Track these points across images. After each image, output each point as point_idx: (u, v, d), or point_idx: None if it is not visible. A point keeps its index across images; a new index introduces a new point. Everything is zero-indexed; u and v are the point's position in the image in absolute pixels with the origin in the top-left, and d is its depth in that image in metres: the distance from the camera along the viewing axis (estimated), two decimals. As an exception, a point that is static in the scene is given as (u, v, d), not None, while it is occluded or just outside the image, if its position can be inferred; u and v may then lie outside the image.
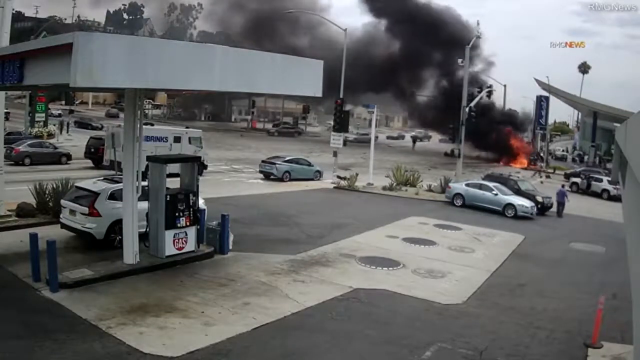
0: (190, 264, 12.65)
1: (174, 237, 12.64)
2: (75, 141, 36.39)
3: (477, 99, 33.93)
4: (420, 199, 26.31)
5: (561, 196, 25.31)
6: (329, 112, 58.37)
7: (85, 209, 12.88)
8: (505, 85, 65.25)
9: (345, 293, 11.56)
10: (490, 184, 25.07)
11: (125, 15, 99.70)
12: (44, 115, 40.37)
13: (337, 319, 10.21)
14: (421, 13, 60.95)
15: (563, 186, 27.85)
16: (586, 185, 36.70)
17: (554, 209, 25.24)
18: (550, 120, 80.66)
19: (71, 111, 57.74)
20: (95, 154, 27.83)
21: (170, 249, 12.57)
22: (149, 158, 13.20)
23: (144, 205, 12.48)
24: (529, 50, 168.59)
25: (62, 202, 13.78)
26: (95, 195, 13.13)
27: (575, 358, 9.50)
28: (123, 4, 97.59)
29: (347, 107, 34.63)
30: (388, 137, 79.60)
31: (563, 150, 76.86)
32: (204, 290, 10.97)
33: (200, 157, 18.06)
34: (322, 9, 61.97)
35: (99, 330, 8.76)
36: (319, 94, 12.21)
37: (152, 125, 31.12)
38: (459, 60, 33.55)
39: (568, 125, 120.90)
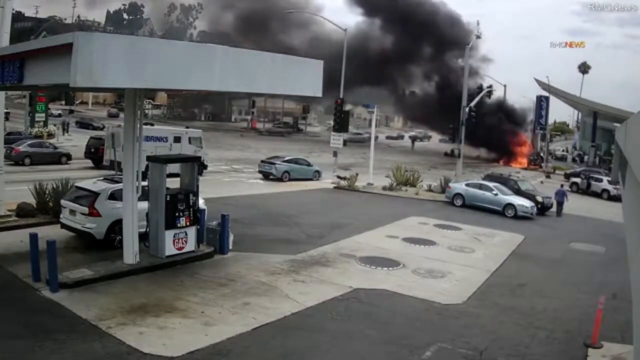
0: (190, 264, 12.64)
1: (174, 237, 12.64)
2: (75, 141, 36.38)
3: (477, 99, 33.94)
4: (420, 199, 26.32)
5: (561, 196, 25.36)
6: (328, 112, 58.31)
7: (85, 209, 12.88)
8: (505, 85, 65.48)
9: (345, 293, 11.56)
10: (490, 184, 25.07)
11: (125, 15, 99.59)
12: (44, 115, 40.37)
13: (337, 319, 10.20)
14: (414, 10, 60.85)
15: (562, 186, 27.89)
16: (586, 185, 36.75)
17: (554, 208, 25.27)
18: (550, 120, 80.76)
19: (71, 111, 57.81)
20: (95, 154, 27.82)
21: (170, 249, 12.57)
22: (149, 158, 13.20)
23: (144, 205, 12.48)
24: (529, 50, 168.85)
25: (62, 202, 13.78)
26: (95, 195, 13.13)
27: (575, 358, 9.49)
28: (123, 4, 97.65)
29: (347, 107, 34.62)
30: (387, 137, 79.64)
31: (563, 150, 76.92)
32: (204, 290, 10.97)
33: (200, 157, 18.06)
34: (317, 9, 61.85)
35: (99, 330, 8.75)
36: (319, 94, 12.22)
37: (152, 125, 31.06)
38: (459, 60, 33.60)
39: (568, 125, 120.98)
